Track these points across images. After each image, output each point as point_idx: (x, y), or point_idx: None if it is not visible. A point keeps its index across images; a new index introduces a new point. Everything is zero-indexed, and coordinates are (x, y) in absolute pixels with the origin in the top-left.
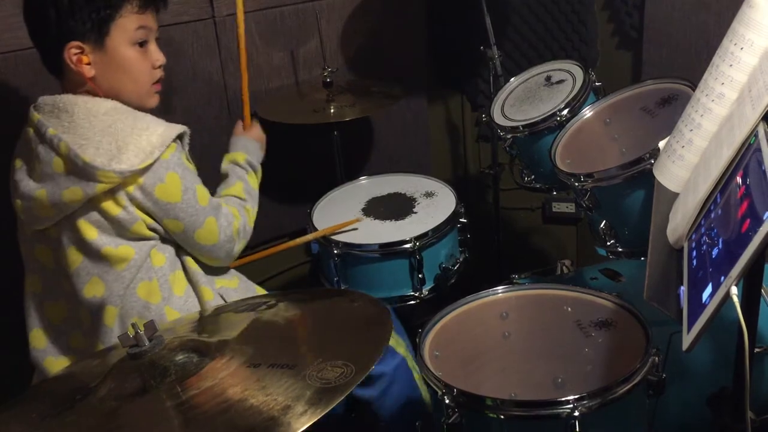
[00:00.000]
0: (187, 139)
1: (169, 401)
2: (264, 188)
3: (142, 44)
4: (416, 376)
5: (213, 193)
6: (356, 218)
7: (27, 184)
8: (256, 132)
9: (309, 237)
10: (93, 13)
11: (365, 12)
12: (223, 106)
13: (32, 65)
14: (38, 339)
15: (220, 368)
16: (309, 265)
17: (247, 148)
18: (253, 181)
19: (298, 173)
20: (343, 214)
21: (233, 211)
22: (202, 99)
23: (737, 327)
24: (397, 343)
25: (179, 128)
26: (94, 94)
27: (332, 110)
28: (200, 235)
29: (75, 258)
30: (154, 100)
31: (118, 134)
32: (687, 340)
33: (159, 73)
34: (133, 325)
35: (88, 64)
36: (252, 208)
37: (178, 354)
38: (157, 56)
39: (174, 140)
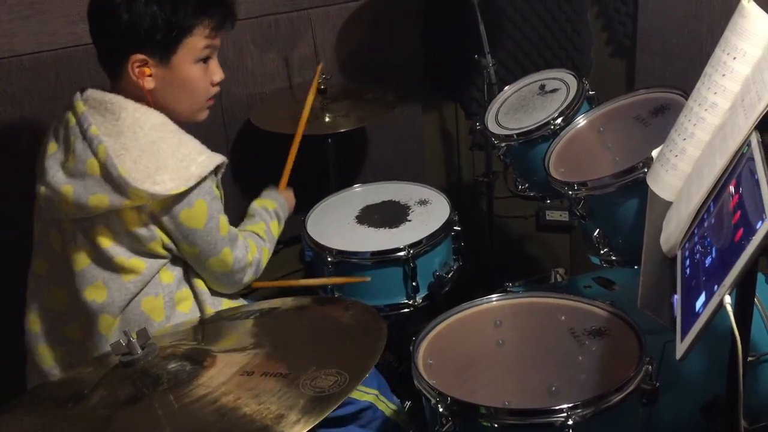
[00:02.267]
0: (222, 168)
1: (162, 409)
2: (259, 195)
3: (205, 60)
4: (388, 411)
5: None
6: (366, 277)
7: (55, 174)
8: (289, 197)
9: (315, 282)
10: (165, 30)
11: (359, 20)
12: (217, 114)
13: (26, 72)
14: (35, 322)
15: (213, 376)
16: (303, 272)
17: (278, 202)
18: (275, 229)
19: (291, 180)
20: (337, 221)
21: (251, 244)
22: None
23: (730, 336)
24: (387, 407)
25: (219, 159)
26: (146, 103)
27: (327, 120)
28: (213, 263)
29: (83, 259)
30: (204, 115)
31: (159, 153)
32: (680, 348)
33: (216, 90)
34: (126, 333)
35: (150, 76)
36: (268, 250)
37: (171, 362)
38: (218, 73)
39: (210, 172)
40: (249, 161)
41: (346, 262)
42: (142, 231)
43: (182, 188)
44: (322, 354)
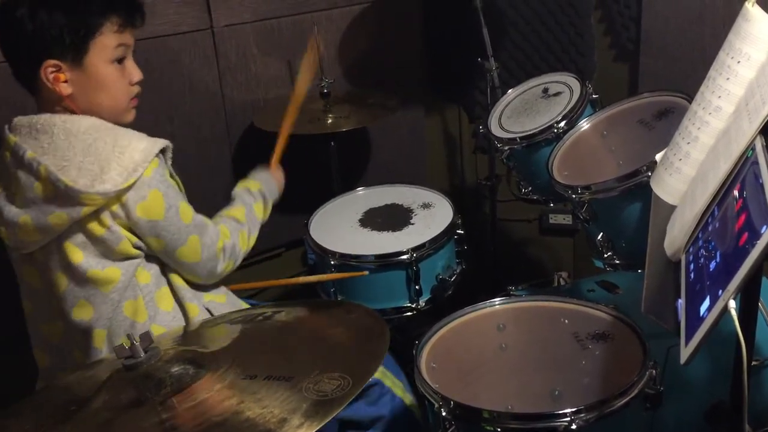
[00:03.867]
0: (169, 153)
1: (165, 413)
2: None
3: (120, 61)
4: (417, 414)
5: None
6: (364, 271)
7: (10, 210)
8: (278, 174)
9: (313, 278)
10: (72, 32)
11: (362, 23)
12: (220, 116)
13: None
14: (41, 358)
15: (215, 380)
16: (305, 275)
17: (264, 180)
18: (259, 210)
19: (294, 183)
20: (339, 225)
21: (223, 230)
22: (199, 109)
23: (734, 340)
24: (394, 384)
25: (161, 143)
26: (71, 112)
27: (329, 121)
28: (182, 252)
29: (62, 281)
30: (130, 116)
31: (99, 153)
32: (685, 353)
33: (136, 89)
34: (129, 336)
35: (65, 82)
36: (248, 233)
37: (174, 365)
38: (135, 73)
39: (156, 155)
40: (252, 164)
41: (349, 265)
42: (107, 235)
43: (131, 179)
44: (325, 358)
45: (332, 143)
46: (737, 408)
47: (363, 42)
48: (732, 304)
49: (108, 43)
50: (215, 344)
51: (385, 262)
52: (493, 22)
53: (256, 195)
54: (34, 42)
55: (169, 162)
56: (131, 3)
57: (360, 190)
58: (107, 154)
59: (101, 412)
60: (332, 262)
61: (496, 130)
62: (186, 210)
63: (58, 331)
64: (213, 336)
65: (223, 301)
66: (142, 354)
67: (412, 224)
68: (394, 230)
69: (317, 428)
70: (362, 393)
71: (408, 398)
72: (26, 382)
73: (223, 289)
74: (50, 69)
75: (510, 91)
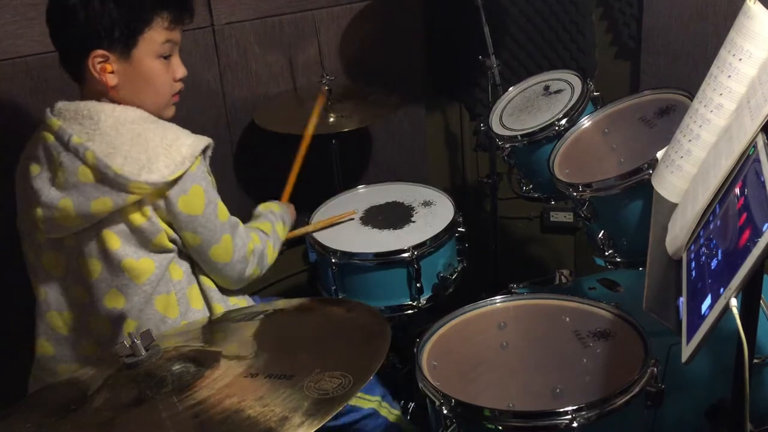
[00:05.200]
0: (209, 152)
1: (165, 412)
2: (263, 197)
3: (166, 57)
4: (391, 417)
5: None
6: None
7: (49, 192)
8: (291, 209)
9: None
10: (124, 24)
11: (364, 21)
12: (221, 114)
13: (31, 73)
14: (45, 347)
15: (217, 378)
16: (306, 273)
17: (282, 209)
18: (281, 231)
19: (295, 181)
20: (341, 222)
21: (253, 235)
22: (200, 107)
23: (736, 338)
24: (390, 413)
25: (206, 140)
26: (115, 102)
27: (330, 120)
28: (215, 251)
29: (95, 268)
30: (171, 111)
31: (148, 144)
32: (686, 351)
33: (179, 86)
34: (130, 335)
35: (112, 72)
36: (273, 246)
37: (175, 364)
38: (180, 69)
39: (200, 152)
40: (253, 162)
41: (350, 263)
42: (146, 225)
43: (179, 172)
44: (326, 356)
45: (334, 141)
46: (738, 406)
47: (364, 39)
48: (734, 302)
49: (157, 38)
50: (217, 343)
51: (386, 260)
52: (494, 19)
53: (278, 216)
54: (84, 31)
55: (208, 160)
56: (182, 1)
57: (361, 188)
58: (155, 145)
59: (102, 410)
60: (333, 260)
61: (497, 128)
62: (223, 209)
63: (67, 322)
64: (215, 334)
65: (245, 305)
66: (143, 352)
67: (413, 222)
68: (395, 228)
69: (318, 427)
70: (357, 423)
71: (405, 426)
72: (26, 381)
73: (245, 296)
74: (98, 59)
75: (511, 88)
